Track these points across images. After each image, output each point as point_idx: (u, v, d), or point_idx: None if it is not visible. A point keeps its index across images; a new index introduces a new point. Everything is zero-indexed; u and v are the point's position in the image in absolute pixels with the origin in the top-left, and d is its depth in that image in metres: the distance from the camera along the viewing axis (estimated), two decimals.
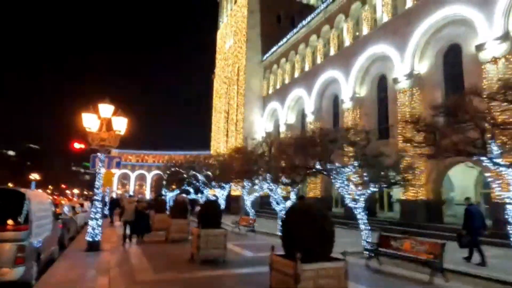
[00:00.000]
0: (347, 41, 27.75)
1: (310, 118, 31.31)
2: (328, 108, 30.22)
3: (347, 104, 26.41)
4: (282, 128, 36.02)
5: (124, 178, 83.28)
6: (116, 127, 11.83)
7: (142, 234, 14.39)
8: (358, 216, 11.32)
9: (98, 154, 12.11)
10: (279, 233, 16.74)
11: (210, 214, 9.69)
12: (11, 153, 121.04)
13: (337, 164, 10.95)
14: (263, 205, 33.38)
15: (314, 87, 30.94)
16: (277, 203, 17.06)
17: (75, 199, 61.65)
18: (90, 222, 11.43)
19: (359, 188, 11.39)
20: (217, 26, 56.64)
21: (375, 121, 24.55)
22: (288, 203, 17.31)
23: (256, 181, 16.47)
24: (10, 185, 79.79)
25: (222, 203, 24.62)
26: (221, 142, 48.45)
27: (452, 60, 19.59)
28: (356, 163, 10.93)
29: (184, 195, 35.83)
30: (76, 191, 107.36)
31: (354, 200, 11.26)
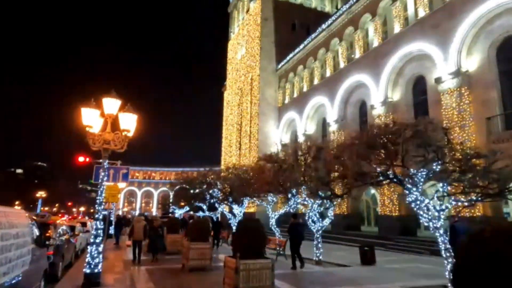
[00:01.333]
0: (376, 42, 25.37)
1: (333, 127, 28.72)
2: (354, 115, 27.60)
3: (378, 109, 23.80)
4: (301, 139, 33.36)
5: (131, 195, 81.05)
6: (124, 126, 9.35)
7: (157, 253, 13.84)
8: (440, 239, 8.53)
9: (101, 160, 9.60)
10: (316, 258, 14.06)
11: (251, 238, 6.95)
12: (19, 171, 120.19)
13: (412, 170, 8.24)
14: (280, 223, 30.41)
15: (337, 93, 28.45)
16: (313, 222, 14.27)
17: (80, 216, 59.00)
18: (89, 248, 8.82)
19: (440, 202, 8.67)
20: (227, 37, 55.08)
21: None
22: (326, 221, 14.57)
23: (289, 195, 13.71)
24: (17, 203, 77.90)
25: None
26: (233, 156, 45.86)
27: (510, 53, 17.02)
28: (438, 167, 8.23)
29: (192, 212, 32.89)
30: (82, 208, 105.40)
31: (434, 218, 8.52)
